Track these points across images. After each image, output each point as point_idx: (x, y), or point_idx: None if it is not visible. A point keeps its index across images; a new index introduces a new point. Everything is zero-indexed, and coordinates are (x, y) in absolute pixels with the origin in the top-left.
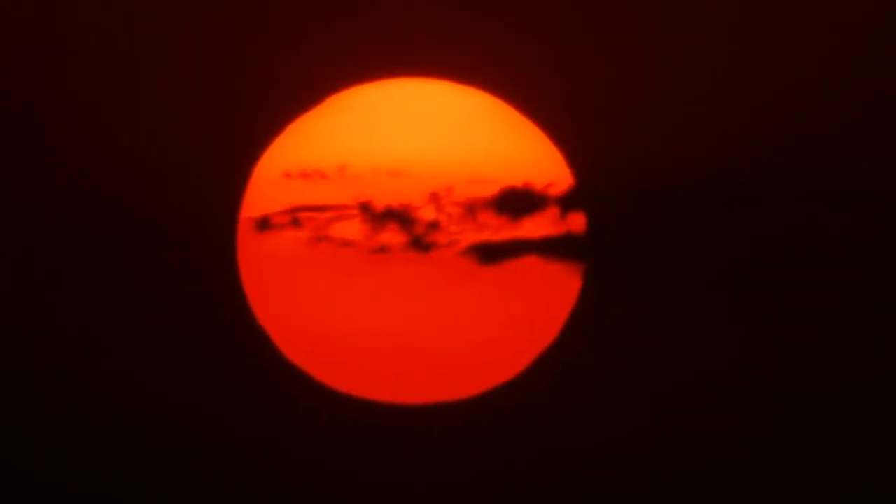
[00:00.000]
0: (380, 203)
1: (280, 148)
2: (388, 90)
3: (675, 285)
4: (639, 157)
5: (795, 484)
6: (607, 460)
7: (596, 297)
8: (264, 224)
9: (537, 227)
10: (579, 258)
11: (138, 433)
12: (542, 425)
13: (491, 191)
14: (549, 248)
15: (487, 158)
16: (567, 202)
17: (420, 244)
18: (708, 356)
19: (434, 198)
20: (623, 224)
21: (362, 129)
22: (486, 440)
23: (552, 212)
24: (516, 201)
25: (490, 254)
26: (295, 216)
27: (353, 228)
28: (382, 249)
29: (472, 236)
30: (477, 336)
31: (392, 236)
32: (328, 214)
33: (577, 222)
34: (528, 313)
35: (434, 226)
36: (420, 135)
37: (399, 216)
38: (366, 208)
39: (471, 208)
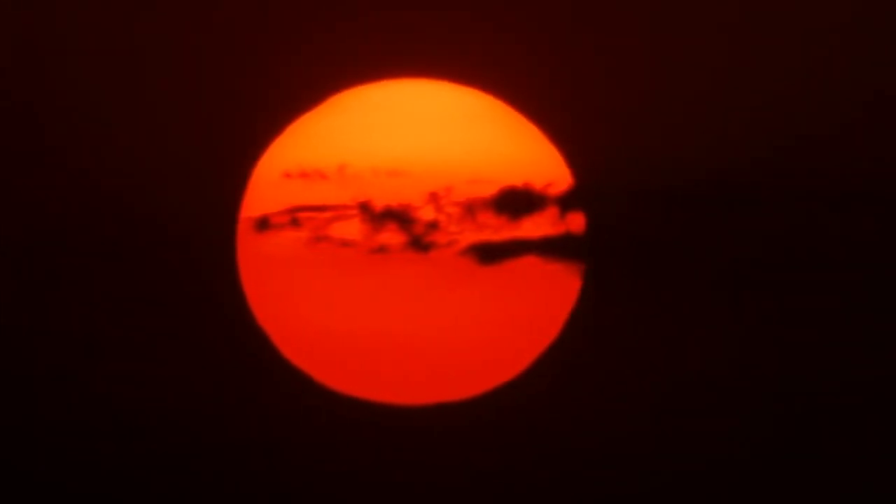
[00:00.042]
0: (379, 203)
1: (280, 148)
2: (387, 91)
3: (675, 285)
4: (638, 157)
5: (795, 484)
6: (607, 460)
7: (596, 297)
8: (263, 224)
9: (537, 227)
10: (579, 258)
11: (138, 433)
12: (543, 425)
13: (490, 191)
14: (549, 248)
15: (487, 158)
16: (566, 202)
17: (419, 244)
18: (708, 356)
19: (433, 198)
20: (622, 224)
21: (362, 130)
22: (486, 441)
23: (551, 212)
24: (516, 201)
25: (489, 254)
26: (294, 216)
27: (352, 228)
28: (382, 249)
29: (471, 236)
30: (477, 336)
31: (391, 236)
32: (327, 214)
33: (576, 222)
34: (527, 313)
35: (433, 226)
36: (419, 135)
37: (398, 216)
38: (365, 208)
39: (470, 208)
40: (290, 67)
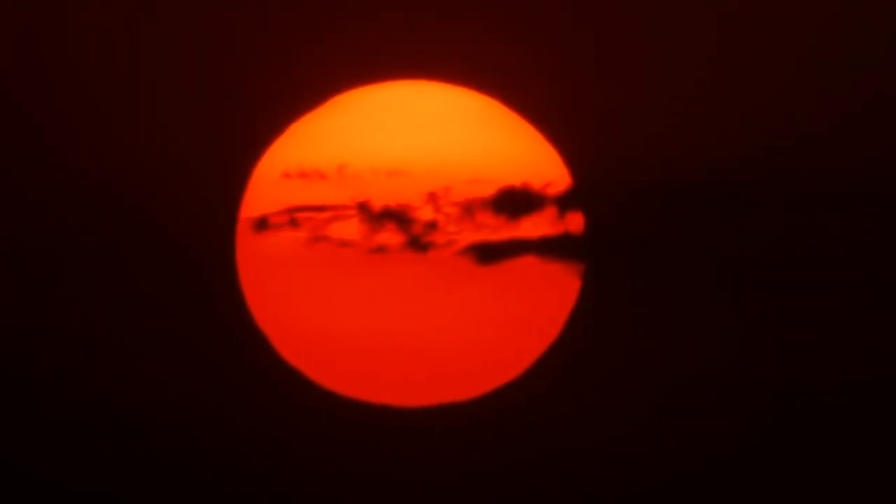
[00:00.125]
0: (377, 203)
1: (280, 148)
2: (387, 91)
3: (675, 285)
4: (637, 157)
5: (795, 484)
6: (607, 460)
7: (596, 297)
8: (262, 224)
9: (535, 226)
10: (578, 258)
11: (137, 433)
12: (543, 426)
13: (489, 191)
14: (548, 248)
15: (485, 159)
16: (565, 202)
17: (418, 244)
18: (708, 356)
19: (432, 198)
20: (621, 224)
21: (362, 130)
22: (486, 442)
23: (550, 212)
24: (514, 201)
25: (488, 254)
26: (293, 216)
27: (350, 228)
28: (380, 249)
29: (470, 236)
30: (476, 337)
31: (390, 236)
32: (326, 214)
33: (575, 222)
34: (527, 313)
35: (432, 226)
36: (418, 135)
37: (397, 216)
38: (363, 208)
39: (469, 208)
40: (290, 68)
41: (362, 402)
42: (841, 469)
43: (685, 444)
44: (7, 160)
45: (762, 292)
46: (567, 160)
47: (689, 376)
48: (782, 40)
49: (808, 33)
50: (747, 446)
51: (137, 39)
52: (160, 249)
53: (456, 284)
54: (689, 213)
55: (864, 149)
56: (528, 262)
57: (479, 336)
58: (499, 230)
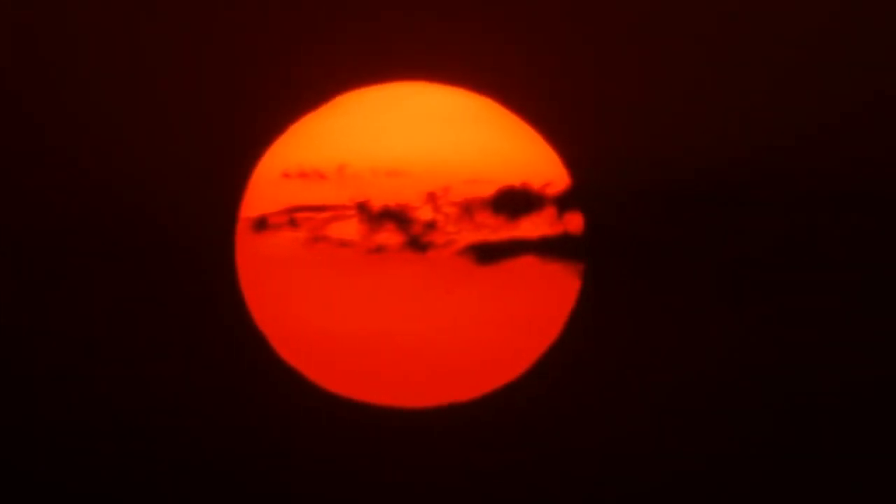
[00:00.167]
0: (377, 203)
1: (280, 148)
2: (387, 92)
3: (675, 285)
4: (636, 157)
5: (795, 484)
6: (607, 460)
7: (596, 297)
8: (261, 224)
9: (535, 226)
10: (577, 258)
11: (137, 433)
12: (543, 426)
13: (488, 191)
14: (547, 248)
15: (484, 159)
16: (564, 202)
17: (417, 244)
18: (708, 356)
19: (431, 198)
20: (621, 224)
21: (361, 130)
22: (486, 443)
23: (549, 212)
24: (513, 201)
25: (487, 254)
26: (292, 216)
27: (350, 228)
28: (379, 249)
29: (469, 236)
30: (476, 337)
31: (389, 236)
32: (325, 215)
33: (574, 222)
34: (527, 314)
35: (431, 226)
36: (418, 136)
37: (396, 216)
38: (363, 208)
39: (468, 208)
40: (290, 68)
41: (361, 403)
42: (841, 469)
43: (685, 444)
44: (7, 160)
45: (762, 292)
46: (566, 160)
47: (689, 376)
48: (782, 40)
49: (808, 33)
50: (747, 446)
51: (137, 39)
52: (160, 249)
53: (455, 284)
54: (688, 213)
55: (864, 149)
56: (528, 263)
57: (479, 336)
58: (498, 230)
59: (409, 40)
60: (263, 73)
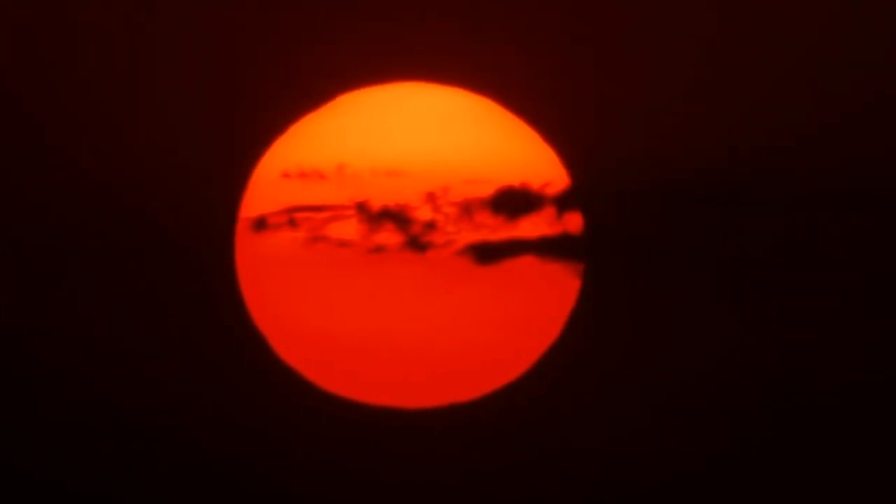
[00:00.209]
0: (376, 203)
1: (280, 148)
2: (387, 93)
3: (675, 285)
4: (635, 157)
5: (795, 484)
6: (607, 460)
7: (595, 297)
8: (261, 224)
9: (534, 227)
10: (577, 258)
11: (136, 433)
12: (543, 426)
13: (487, 191)
14: (546, 248)
15: (484, 159)
16: (563, 202)
17: (416, 244)
18: (708, 356)
19: (430, 198)
20: (620, 224)
21: (361, 130)
22: (486, 442)
23: (549, 212)
24: (513, 201)
25: (487, 254)
26: (291, 216)
27: (349, 228)
28: (379, 249)
29: (468, 236)
30: (476, 337)
31: (388, 236)
32: (324, 214)
33: (573, 222)
34: (527, 313)
35: (430, 226)
36: (417, 136)
37: (395, 216)
38: (362, 208)
39: (467, 208)
40: (290, 69)
41: (361, 403)
42: (841, 469)
43: (685, 444)
44: (7, 160)
45: (762, 292)
46: (565, 160)
47: (689, 376)
48: (782, 40)
49: (808, 33)
50: (747, 446)
51: (138, 39)
52: (160, 249)
53: (455, 285)
54: (688, 213)
55: (864, 149)
56: (527, 263)
57: (479, 336)
58: (497, 230)
59: (409, 41)
60: (263, 73)
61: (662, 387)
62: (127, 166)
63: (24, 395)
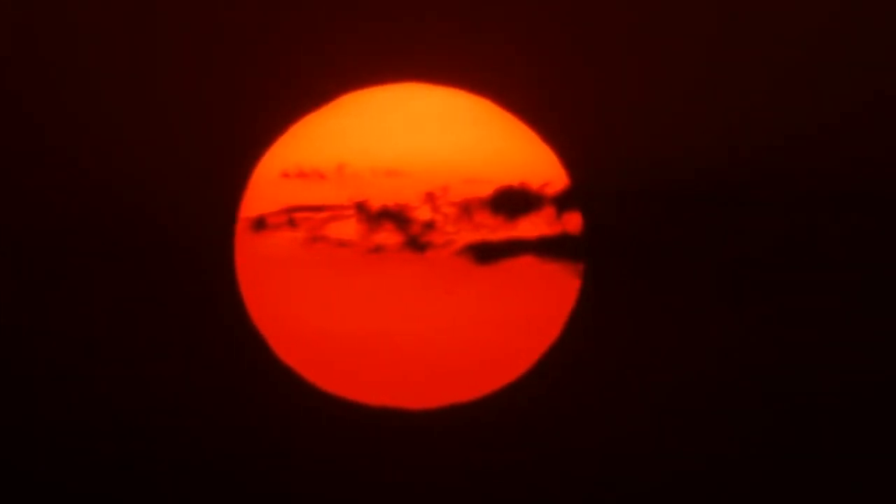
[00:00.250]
0: (375, 203)
1: (280, 148)
2: (387, 93)
3: (675, 285)
4: (635, 157)
5: (795, 484)
6: (607, 460)
7: (595, 297)
8: (260, 224)
9: (533, 226)
10: (576, 258)
11: (136, 433)
12: (543, 426)
13: (486, 191)
14: (546, 248)
15: (483, 159)
16: (563, 202)
17: (416, 244)
18: (708, 356)
19: (430, 198)
20: (620, 224)
21: (360, 131)
22: (486, 442)
23: (548, 212)
24: (512, 201)
25: (486, 254)
26: (291, 216)
27: (348, 228)
28: (378, 249)
29: (467, 236)
30: (476, 337)
31: (388, 236)
32: (324, 214)
33: (573, 222)
34: (527, 313)
35: (430, 226)
36: (417, 136)
37: (395, 216)
38: (361, 208)
39: (467, 208)
40: (290, 69)
41: (361, 404)
42: (841, 469)
43: (685, 444)
44: (7, 160)
45: (762, 292)
46: (564, 160)
47: (689, 376)
48: (782, 40)
49: (808, 33)
50: (747, 446)
51: (138, 39)
52: (160, 249)
53: (454, 284)
54: (688, 213)
55: (864, 149)
56: (527, 263)
57: (479, 336)
58: (497, 230)
59: (409, 41)
60: (263, 73)
61: (662, 387)
62: (127, 166)
63: (24, 395)
